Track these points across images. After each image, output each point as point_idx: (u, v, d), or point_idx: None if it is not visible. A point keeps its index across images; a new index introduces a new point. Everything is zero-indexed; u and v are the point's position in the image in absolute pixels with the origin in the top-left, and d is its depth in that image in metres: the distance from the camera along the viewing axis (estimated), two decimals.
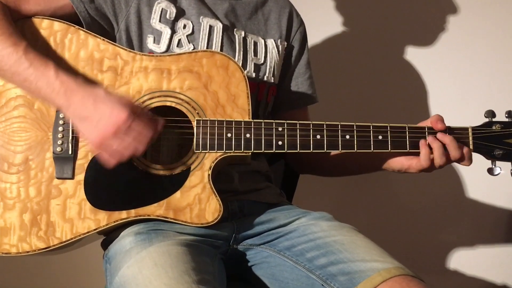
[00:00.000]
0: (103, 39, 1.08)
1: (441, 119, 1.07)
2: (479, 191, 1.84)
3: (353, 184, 1.86)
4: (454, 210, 1.86)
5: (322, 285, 1.02)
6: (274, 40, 1.26)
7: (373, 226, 1.74)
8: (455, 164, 1.81)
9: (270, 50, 1.24)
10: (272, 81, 1.24)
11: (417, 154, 1.07)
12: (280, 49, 1.26)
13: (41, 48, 1.05)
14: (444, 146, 1.06)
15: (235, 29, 1.21)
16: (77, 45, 1.07)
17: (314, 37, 1.80)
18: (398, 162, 1.11)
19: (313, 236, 1.08)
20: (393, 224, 1.88)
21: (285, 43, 1.28)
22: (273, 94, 1.26)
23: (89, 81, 1.04)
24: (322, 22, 1.86)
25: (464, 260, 1.86)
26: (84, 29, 1.09)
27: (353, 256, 1.01)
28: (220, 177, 1.09)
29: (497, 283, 1.83)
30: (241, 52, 1.20)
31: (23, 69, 0.99)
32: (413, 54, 1.86)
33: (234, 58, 1.12)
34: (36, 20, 1.07)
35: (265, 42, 1.24)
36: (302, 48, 1.32)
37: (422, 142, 1.06)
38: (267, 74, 1.23)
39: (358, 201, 1.91)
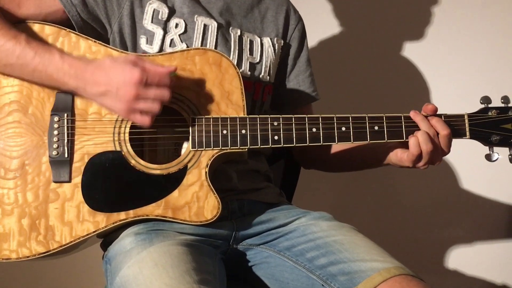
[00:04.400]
0: (94, 41, 1.07)
1: (430, 104, 1.07)
2: (479, 191, 1.84)
3: (353, 184, 1.86)
4: (454, 210, 1.86)
5: (322, 285, 1.01)
6: (271, 39, 1.25)
7: (373, 226, 1.74)
8: (455, 164, 1.82)
9: (266, 49, 1.24)
10: (268, 80, 1.24)
11: None
12: (276, 47, 1.25)
13: None
14: (427, 134, 1.05)
15: (230, 28, 1.20)
16: (69, 47, 1.06)
17: (309, 36, 1.80)
18: (394, 154, 1.11)
19: (313, 236, 1.08)
20: (393, 224, 1.88)
21: (282, 41, 1.27)
22: (269, 93, 1.26)
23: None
24: (318, 21, 1.86)
25: (464, 260, 1.86)
26: (75, 32, 1.08)
27: (353, 256, 1.01)
28: (218, 177, 1.09)
29: (497, 283, 1.83)
30: (236, 51, 1.19)
31: (29, 59, 0.99)
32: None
33: (229, 57, 1.11)
34: (27, 24, 1.07)
35: (261, 40, 1.24)
36: (301, 46, 1.31)
37: (410, 136, 1.06)
38: (262, 73, 1.23)
39: (358, 201, 1.91)
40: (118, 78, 0.97)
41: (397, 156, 1.10)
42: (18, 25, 1.06)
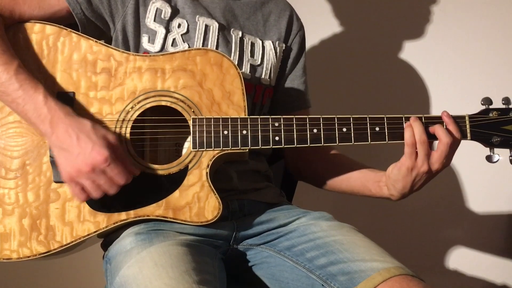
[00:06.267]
0: (95, 41, 1.07)
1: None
2: (479, 191, 1.84)
3: None
4: (454, 210, 1.86)
5: (322, 285, 1.01)
6: (272, 42, 1.25)
7: (373, 226, 1.73)
8: (455, 164, 1.82)
9: (267, 52, 1.23)
10: (269, 82, 1.24)
11: None
12: (278, 51, 1.25)
13: (34, 53, 1.05)
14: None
15: (232, 29, 1.20)
16: (70, 48, 1.06)
17: (311, 37, 1.80)
18: (390, 172, 1.09)
19: (313, 236, 1.08)
20: (393, 224, 1.88)
21: (284, 45, 1.27)
22: (269, 96, 1.25)
23: (78, 113, 1.01)
24: (319, 22, 1.86)
25: (464, 260, 1.86)
26: (76, 32, 1.08)
27: (353, 256, 1.01)
28: (219, 177, 1.09)
29: (497, 283, 1.83)
30: (237, 52, 1.19)
31: (12, 90, 0.98)
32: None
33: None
34: (28, 25, 1.07)
35: (262, 43, 1.24)
36: (300, 52, 1.31)
37: (406, 124, 1.05)
38: (263, 76, 1.22)
39: (358, 201, 1.88)
40: (86, 147, 0.95)
41: (394, 169, 1.07)
42: (21, 25, 1.06)
